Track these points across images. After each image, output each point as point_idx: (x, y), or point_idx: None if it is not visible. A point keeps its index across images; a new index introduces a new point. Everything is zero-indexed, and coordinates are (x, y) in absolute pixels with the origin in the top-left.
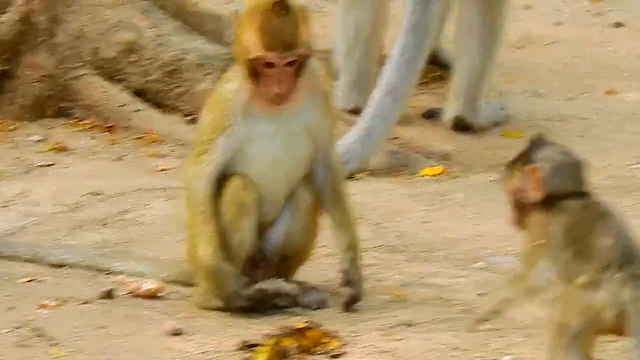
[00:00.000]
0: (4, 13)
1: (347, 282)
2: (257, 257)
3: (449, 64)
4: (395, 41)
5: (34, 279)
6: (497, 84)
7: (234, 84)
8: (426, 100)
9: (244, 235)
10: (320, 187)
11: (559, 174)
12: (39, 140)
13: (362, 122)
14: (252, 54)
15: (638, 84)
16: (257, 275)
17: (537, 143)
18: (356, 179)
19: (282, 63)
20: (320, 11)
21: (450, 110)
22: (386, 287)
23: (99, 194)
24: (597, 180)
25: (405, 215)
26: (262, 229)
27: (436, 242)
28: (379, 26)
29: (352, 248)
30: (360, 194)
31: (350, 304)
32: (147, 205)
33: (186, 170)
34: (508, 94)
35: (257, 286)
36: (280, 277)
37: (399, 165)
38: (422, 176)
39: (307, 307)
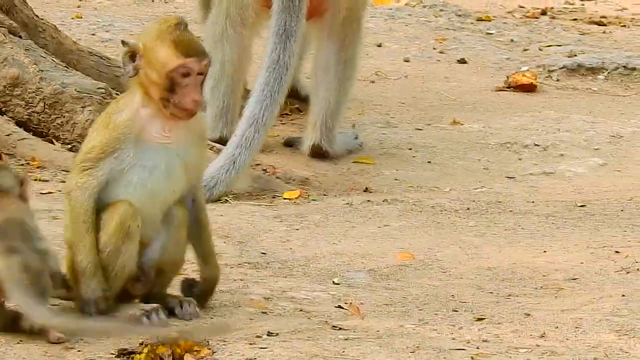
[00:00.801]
0: None
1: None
2: (137, 273)
3: (307, 97)
4: (258, 76)
5: None
6: (351, 115)
7: (129, 111)
8: (286, 130)
9: (127, 259)
10: (197, 215)
11: None
12: None
13: (228, 150)
14: (171, 64)
15: (480, 116)
16: (137, 288)
17: None
18: (222, 202)
19: (198, 70)
20: None
21: (308, 139)
22: (251, 300)
23: None
24: (443, 203)
25: (268, 234)
26: (141, 247)
27: (296, 259)
28: (243, 62)
29: (209, 279)
30: (226, 215)
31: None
32: None
33: (69, 181)
34: (361, 124)
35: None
36: (157, 288)
37: (261, 189)
38: (283, 199)
39: (182, 318)
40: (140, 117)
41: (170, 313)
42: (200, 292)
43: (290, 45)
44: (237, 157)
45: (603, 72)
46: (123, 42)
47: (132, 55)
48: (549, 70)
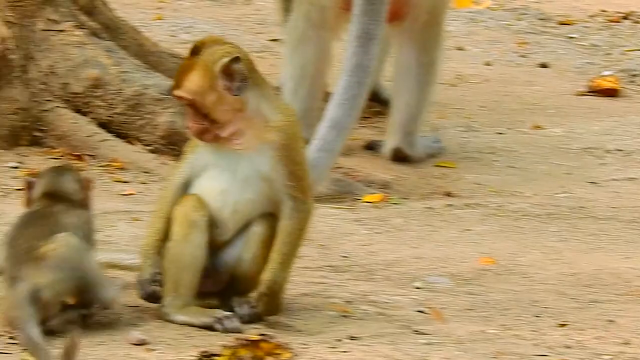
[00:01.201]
0: None
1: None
2: (208, 268)
3: (388, 100)
4: (338, 80)
5: None
6: (432, 118)
7: None
8: (367, 133)
9: (194, 249)
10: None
11: None
12: (14, 167)
13: (309, 153)
14: None
15: (561, 120)
16: (207, 285)
17: None
18: None
19: (179, 101)
20: (268, 51)
21: (390, 142)
22: (332, 303)
23: None
24: (525, 207)
25: (349, 238)
26: (214, 247)
27: (377, 262)
28: (323, 65)
29: (267, 284)
30: None
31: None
32: (113, 226)
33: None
34: (442, 127)
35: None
36: (229, 294)
37: (342, 193)
38: (364, 202)
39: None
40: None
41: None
42: (257, 295)
43: (370, 48)
44: (318, 161)
45: None
46: None
47: None
48: (631, 75)
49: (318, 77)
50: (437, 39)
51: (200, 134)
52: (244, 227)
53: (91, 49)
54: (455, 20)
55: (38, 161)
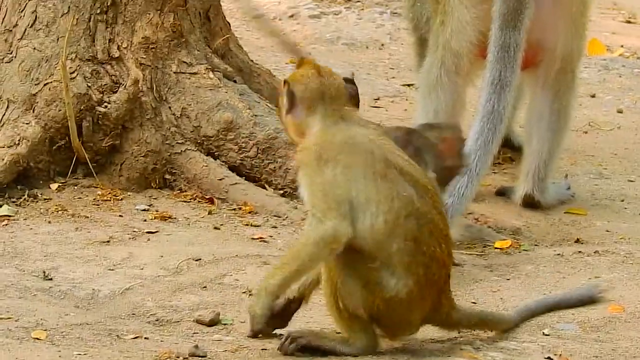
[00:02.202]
0: (114, 92)
1: None
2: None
3: (520, 147)
4: (472, 125)
5: (139, 336)
6: (564, 165)
7: None
8: (498, 179)
9: None
10: None
11: None
12: (144, 210)
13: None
14: None
15: None
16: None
17: None
18: None
19: None
20: (401, 95)
21: (521, 188)
22: (461, 349)
23: (198, 259)
24: None
25: (478, 284)
26: None
27: (506, 309)
28: (456, 110)
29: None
30: None
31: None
32: (242, 270)
33: None
34: (573, 174)
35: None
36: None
37: (472, 238)
38: (494, 248)
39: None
40: None
41: None
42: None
43: (504, 95)
44: (451, 206)
45: None
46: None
47: None
48: None
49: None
50: (571, 85)
51: None
52: None
53: (224, 92)
54: (588, 67)
55: (168, 204)
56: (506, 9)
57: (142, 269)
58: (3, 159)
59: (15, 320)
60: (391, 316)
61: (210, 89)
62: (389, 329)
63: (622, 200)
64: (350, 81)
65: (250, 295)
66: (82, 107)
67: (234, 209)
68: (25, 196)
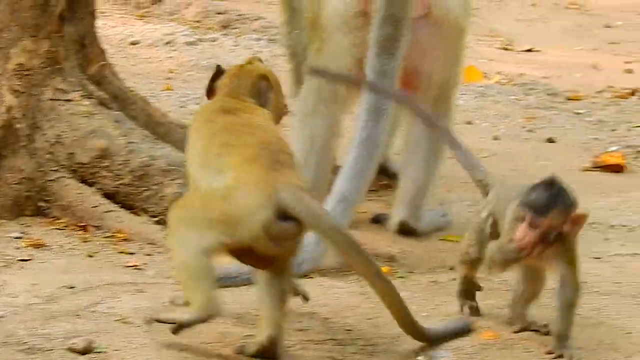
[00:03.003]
0: None
1: None
2: None
3: (396, 174)
4: (347, 153)
5: None
6: (440, 192)
7: None
8: (374, 207)
9: None
10: None
11: None
12: (17, 237)
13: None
14: None
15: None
16: None
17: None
18: (309, 278)
19: None
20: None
21: (396, 216)
22: None
23: (72, 287)
24: None
25: (353, 311)
26: None
27: (382, 336)
28: (333, 138)
29: None
30: (312, 291)
31: None
32: (117, 298)
33: None
34: (449, 202)
35: None
36: None
37: (347, 266)
38: None
39: None
40: None
41: None
42: None
43: (381, 122)
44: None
45: None
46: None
47: None
48: (637, 151)
49: (327, 150)
50: (447, 113)
51: None
52: None
53: (99, 118)
54: (465, 94)
55: (41, 232)
56: (382, 36)
57: (15, 297)
58: None
59: None
60: None
61: (85, 116)
62: None
63: None
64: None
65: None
66: None
67: (108, 237)
68: None
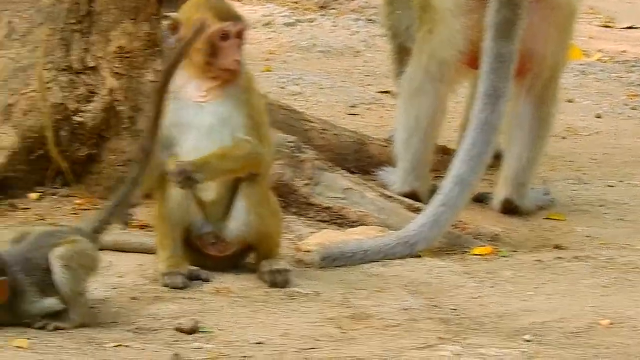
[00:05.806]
0: (90, 102)
1: None
2: (210, 237)
3: (500, 152)
4: (465, 136)
5: (120, 344)
6: (543, 171)
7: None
8: (477, 185)
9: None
10: None
11: None
12: None
13: (431, 208)
14: (211, 29)
15: None
16: (210, 249)
17: None
18: (413, 257)
19: (235, 32)
20: (377, 103)
21: (499, 194)
22: (441, 356)
23: None
24: (635, 260)
25: (458, 290)
26: (204, 207)
27: (487, 315)
28: (438, 117)
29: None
30: (416, 270)
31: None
32: (222, 278)
33: None
34: (552, 180)
35: None
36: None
37: (451, 245)
38: (473, 255)
39: None
40: (178, 80)
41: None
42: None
43: (498, 106)
44: (440, 216)
45: None
46: (166, 16)
47: (174, 28)
48: None
49: (431, 130)
50: (554, 93)
51: (239, 65)
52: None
53: None
54: (565, 72)
55: (145, 212)
56: (500, 19)
57: (121, 277)
58: None
59: None
60: None
61: None
62: None
63: (602, 206)
64: None
65: None
66: (58, 117)
67: None
68: (4, 206)
